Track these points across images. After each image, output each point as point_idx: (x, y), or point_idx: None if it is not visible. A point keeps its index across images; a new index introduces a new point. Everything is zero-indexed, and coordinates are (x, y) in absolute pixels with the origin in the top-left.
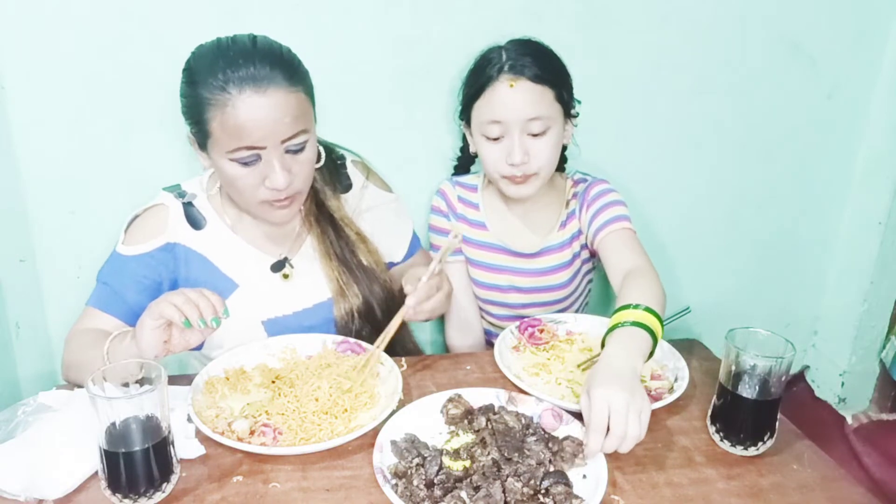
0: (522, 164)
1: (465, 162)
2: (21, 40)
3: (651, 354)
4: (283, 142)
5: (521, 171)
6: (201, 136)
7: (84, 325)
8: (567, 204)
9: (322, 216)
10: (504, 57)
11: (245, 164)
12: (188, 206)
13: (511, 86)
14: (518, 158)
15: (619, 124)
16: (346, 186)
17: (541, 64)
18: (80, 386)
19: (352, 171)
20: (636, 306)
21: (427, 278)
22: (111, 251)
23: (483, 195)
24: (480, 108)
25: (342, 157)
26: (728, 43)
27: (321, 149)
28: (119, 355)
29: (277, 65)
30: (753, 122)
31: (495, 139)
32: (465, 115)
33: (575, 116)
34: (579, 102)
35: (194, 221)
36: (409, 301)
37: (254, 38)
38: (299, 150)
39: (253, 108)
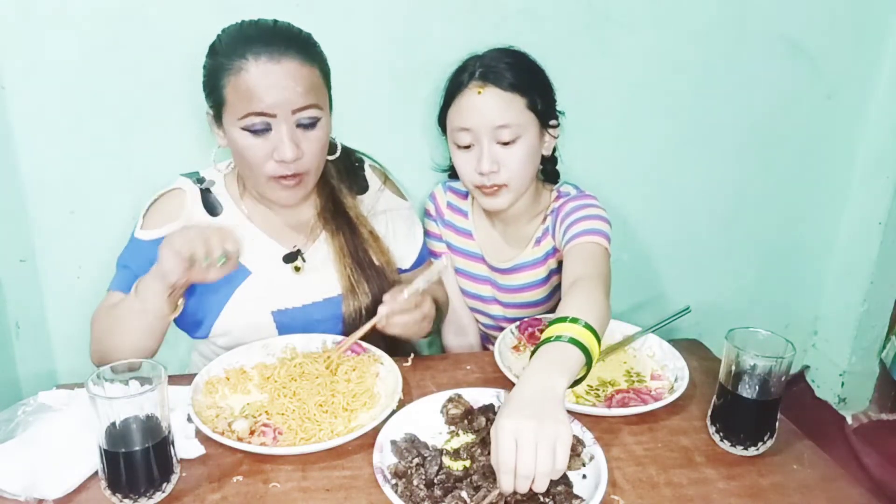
0: (492, 174)
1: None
2: (21, 40)
3: (584, 377)
4: (294, 112)
5: (491, 180)
6: (217, 107)
7: (105, 304)
8: (544, 219)
9: (338, 212)
10: (478, 64)
11: (255, 133)
12: (206, 193)
13: (479, 92)
14: (486, 167)
15: (619, 124)
16: (363, 188)
17: (513, 72)
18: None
19: (369, 174)
20: (574, 320)
21: (408, 294)
22: (129, 237)
23: (473, 203)
24: (452, 115)
25: (360, 160)
26: (728, 43)
27: (338, 143)
28: (145, 290)
29: (294, 42)
30: (753, 122)
31: (466, 147)
32: (442, 122)
33: (554, 127)
34: (562, 114)
35: (211, 208)
36: (381, 309)
37: (275, 21)
38: (310, 125)
39: (266, 74)
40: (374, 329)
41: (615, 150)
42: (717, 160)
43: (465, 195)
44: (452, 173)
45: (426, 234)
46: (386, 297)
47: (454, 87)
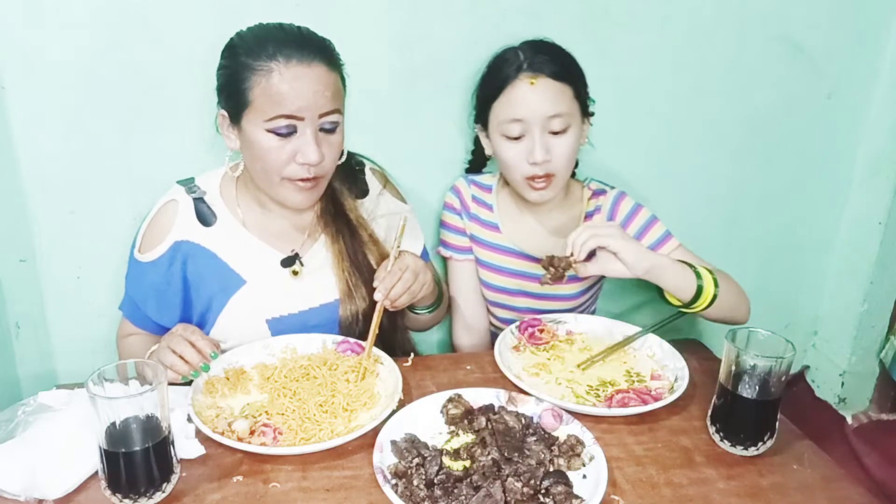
0: (544, 163)
1: (478, 163)
2: (21, 40)
3: (688, 307)
4: (321, 116)
5: (543, 169)
6: (237, 108)
7: (125, 332)
8: (586, 217)
9: (338, 215)
10: (521, 56)
11: (281, 135)
12: (198, 202)
13: (532, 83)
14: (540, 156)
15: (618, 124)
16: (363, 192)
17: (559, 62)
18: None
19: (370, 178)
20: (712, 272)
21: (390, 266)
22: (129, 254)
23: (498, 196)
24: (500, 108)
25: (361, 164)
26: (728, 43)
27: (344, 147)
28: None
29: (320, 48)
30: (753, 122)
31: (516, 139)
32: (482, 118)
33: (591, 115)
34: (593, 101)
35: (204, 218)
36: (377, 296)
37: (299, 27)
38: (331, 129)
39: (298, 77)
40: (385, 313)
41: (614, 150)
42: (717, 160)
43: (489, 188)
44: (470, 168)
45: (448, 227)
46: (375, 283)
47: (500, 80)
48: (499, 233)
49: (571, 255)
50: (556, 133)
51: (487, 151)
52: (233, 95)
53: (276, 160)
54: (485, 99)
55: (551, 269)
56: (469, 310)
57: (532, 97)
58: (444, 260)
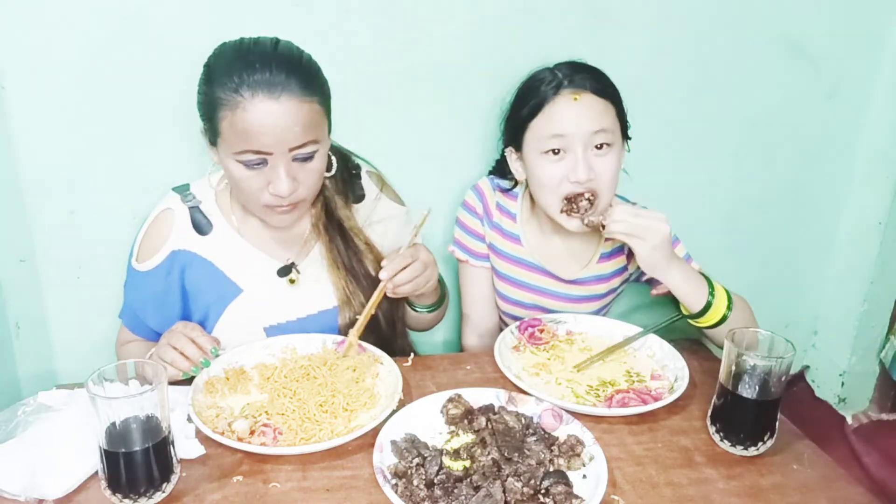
0: (587, 182)
1: (501, 171)
2: (21, 40)
3: (695, 319)
4: (292, 150)
5: (585, 187)
6: (212, 133)
7: (124, 339)
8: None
9: (331, 224)
10: (560, 75)
11: (251, 167)
12: (194, 211)
13: (575, 99)
14: (583, 175)
15: None
16: (359, 197)
17: (600, 79)
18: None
19: (366, 182)
20: (729, 294)
21: (403, 251)
22: (127, 264)
23: (522, 205)
24: (539, 126)
25: (357, 167)
26: (728, 43)
27: (334, 158)
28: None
29: (294, 72)
30: (753, 122)
31: (556, 155)
32: (515, 140)
33: (629, 139)
34: (630, 126)
35: (199, 227)
36: (382, 275)
37: (276, 43)
38: (307, 158)
39: (264, 114)
40: (385, 318)
41: None
42: (717, 160)
43: (515, 196)
44: (493, 171)
45: (466, 230)
46: (383, 263)
47: (540, 99)
48: (520, 245)
49: (603, 225)
50: (599, 150)
51: (519, 176)
52: (206, 122)
53: (249, 189)
54: (519, 119)
55: (580, 213)
56: (481, 315)
57: (575, 112)
58: (455, 258)
